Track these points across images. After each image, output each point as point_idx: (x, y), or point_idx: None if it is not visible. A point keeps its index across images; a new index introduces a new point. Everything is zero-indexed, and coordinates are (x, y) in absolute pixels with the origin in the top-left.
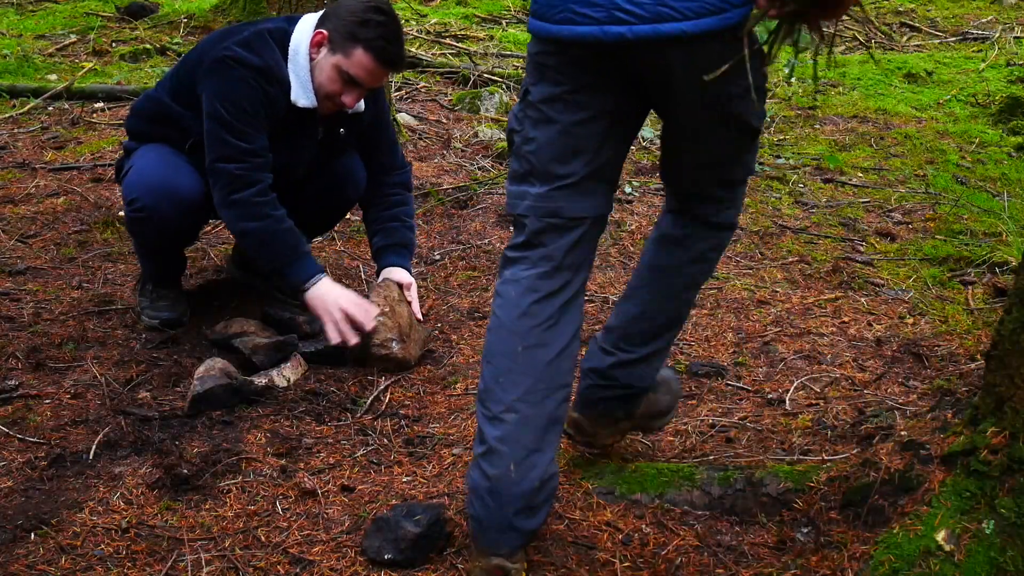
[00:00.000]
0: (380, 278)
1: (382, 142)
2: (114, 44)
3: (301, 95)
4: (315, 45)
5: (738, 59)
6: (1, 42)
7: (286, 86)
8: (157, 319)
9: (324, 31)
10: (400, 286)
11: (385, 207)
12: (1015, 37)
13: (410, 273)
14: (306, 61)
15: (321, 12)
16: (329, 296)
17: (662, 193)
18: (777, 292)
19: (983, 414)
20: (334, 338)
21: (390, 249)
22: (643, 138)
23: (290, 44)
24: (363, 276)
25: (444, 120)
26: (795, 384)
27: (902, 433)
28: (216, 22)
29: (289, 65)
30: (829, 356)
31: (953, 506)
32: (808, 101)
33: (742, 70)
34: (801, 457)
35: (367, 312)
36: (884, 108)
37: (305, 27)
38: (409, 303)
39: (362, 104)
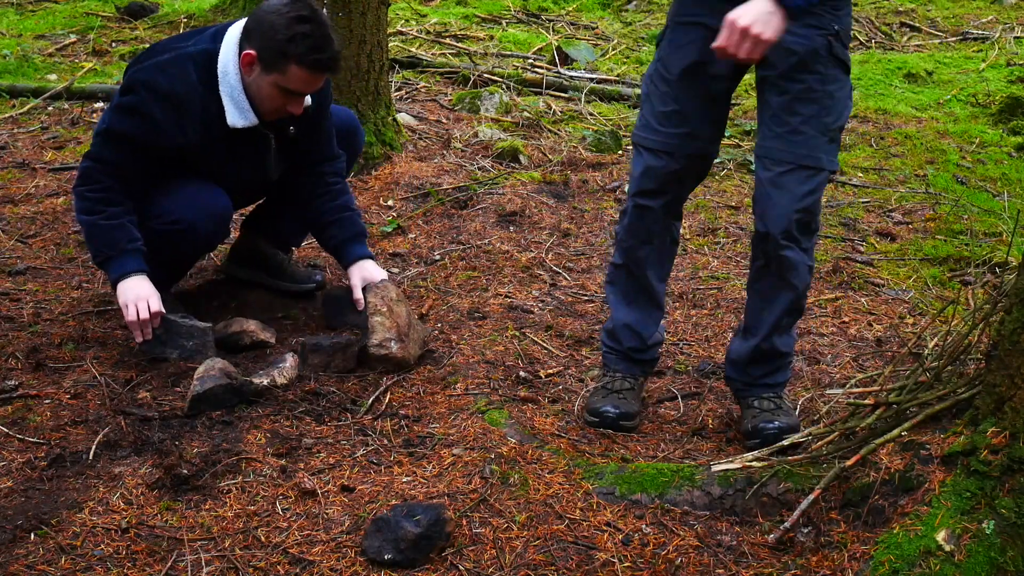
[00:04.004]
0: (354, 273)
1: (321, 131)
2: (114, 44)
3: (238, 117)
4: (246, 65)
5: None
6: (1, 42)
7: (203, 113)
8: None
9: (252, 51)
10: (397, 286)
11: (331, 197)
12: (1015, 37)
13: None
14: (238, 82)
15: (243, 26)
16: (131, 292)
17: None
18: None
19: (983, 414)
20: (132, 332)
21: (355, 240)
22: None
23: (218, 66)
24: None
25: (444, 120)
26: (795, 384)
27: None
28: (216, 22)
29: (221, 87)
30: (829, 356)
31: (953, 506)
32: None
33: None
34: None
35: (155, 312)
36: (884, 108)
37: (230, 46)
38: (408, 303)
39: (308, 98)
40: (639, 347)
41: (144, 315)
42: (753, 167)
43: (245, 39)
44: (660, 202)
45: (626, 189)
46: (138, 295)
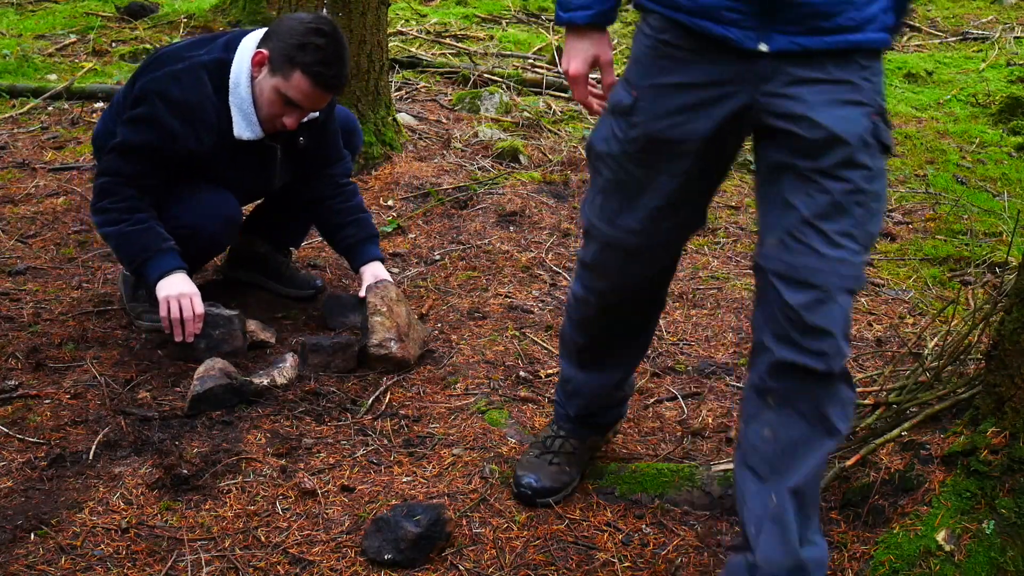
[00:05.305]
0: (366, 274)
1: (328, 135)
2: (114, 44)
3: (245, 129)
4: (256, 65)
5: None
6: (1, 42)
7: (217, 122)
8: (158, 320)
9: (265, 51)
10: (397, 286)
11: (345, 199)
12: (1015, 37)
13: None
14: (247, 93)
15: (264, 30)
16: (173, 288)
17: None
18: None
19: (983, 414)
20: (164, 327)
21: (369, 242)
22: None
23: (230, 76)
24: None
25: (444, 120)
26: None
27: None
28: (216, 22)
29: (230, 98)
30: None
31: (953, 506)
32: None
33: None
34: None
35: (199, 314)
36: None
37: (244, 56)
38: (408, 303)
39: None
40: (590, 413)
41: (188, 313)
42: (753, 167)
43: (264, 41)
44: (643, 289)
45: (576, 275)
46: (181, 291)
